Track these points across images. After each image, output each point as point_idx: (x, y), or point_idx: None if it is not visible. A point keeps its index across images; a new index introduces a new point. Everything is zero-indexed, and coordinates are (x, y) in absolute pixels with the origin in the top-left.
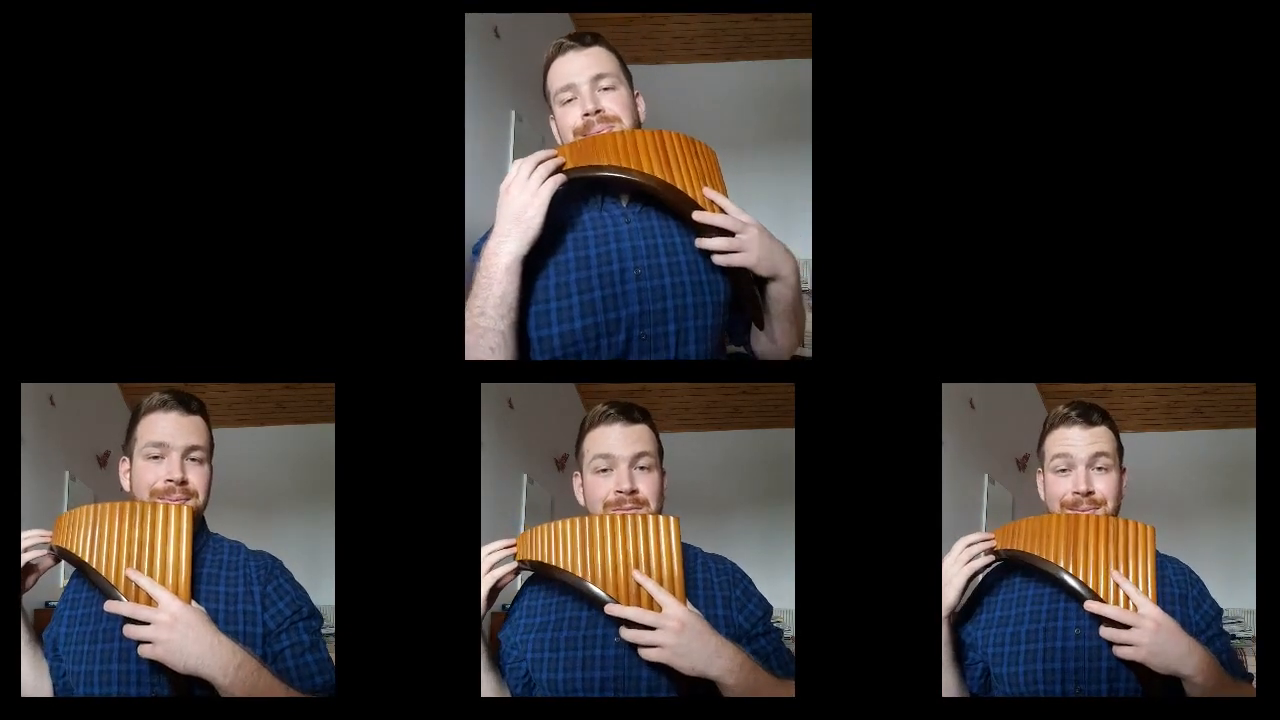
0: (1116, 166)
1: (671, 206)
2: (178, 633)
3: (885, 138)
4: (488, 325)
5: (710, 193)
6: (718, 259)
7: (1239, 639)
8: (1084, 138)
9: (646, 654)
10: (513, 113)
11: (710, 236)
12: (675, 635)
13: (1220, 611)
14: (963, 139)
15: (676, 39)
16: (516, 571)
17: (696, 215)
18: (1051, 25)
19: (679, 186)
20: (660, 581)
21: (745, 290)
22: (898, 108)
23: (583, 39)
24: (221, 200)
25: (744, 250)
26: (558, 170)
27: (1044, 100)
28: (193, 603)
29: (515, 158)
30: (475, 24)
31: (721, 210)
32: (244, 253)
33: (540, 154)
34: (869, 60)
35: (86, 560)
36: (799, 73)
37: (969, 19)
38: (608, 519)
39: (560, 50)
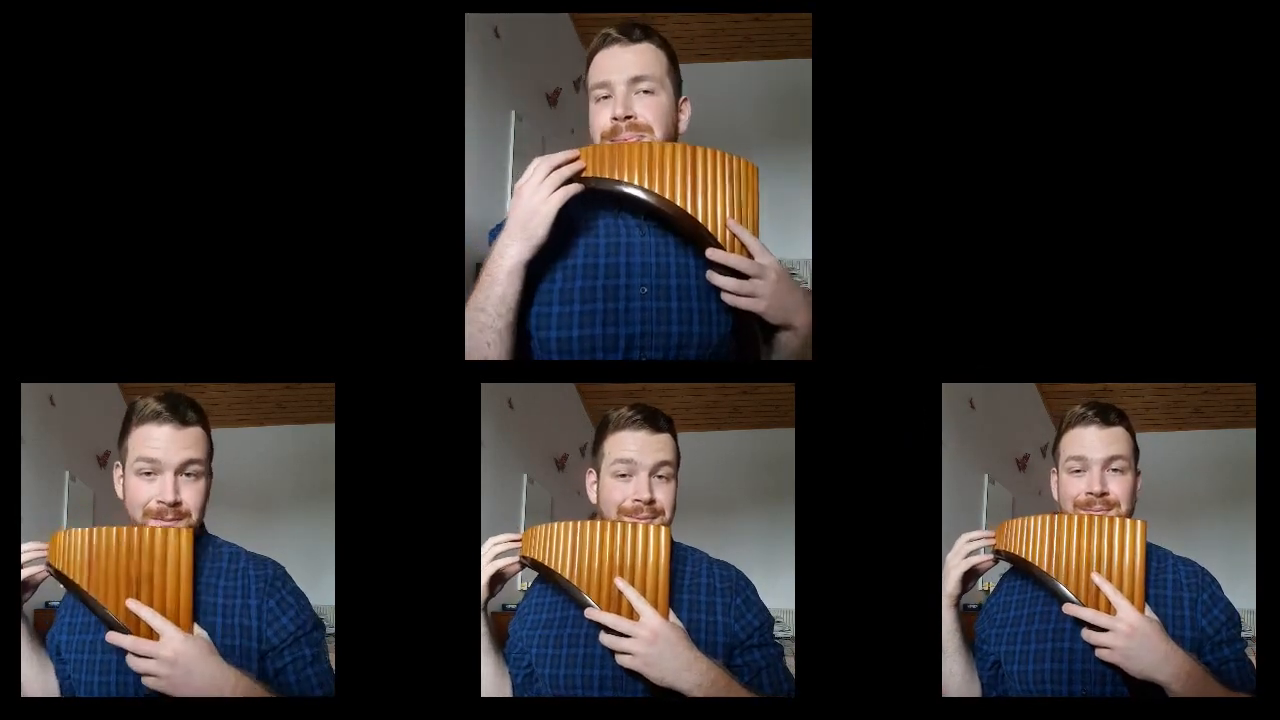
0: (1116, 166)
1: (686, 236)
2: (179, 669)
3: (885, 138)
4: (486, 322)
5: (734, 226)
6: (726, 298)
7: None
8: (1084, 137)
9: (620, 659)
10: (513, 113)
11: (723, 274)
12: (647, 645)
13: (1235, 619)
14: (963, 139)
15: (676, 39)
16: (522, 566)
17: (710, 253)
18: (1052, 25)
19: (702, 213)
20: (643, 591)
21: (747, 331)
22: (898, 108)
23: (630, 32)
24: (221, 200)
25: (756, 296)
26: (575, 176)
27: (1044, 100)
28: (195, 629)
29: (515, 158)
30: (475, 24)
31: (743, 246)
32: (244, 253)
33: (560, 156)
34: (869, 60)
35: (84, 588)
36: (799, 73)
37: (969, 19)
38: (600, 525)
39: (604, 42)
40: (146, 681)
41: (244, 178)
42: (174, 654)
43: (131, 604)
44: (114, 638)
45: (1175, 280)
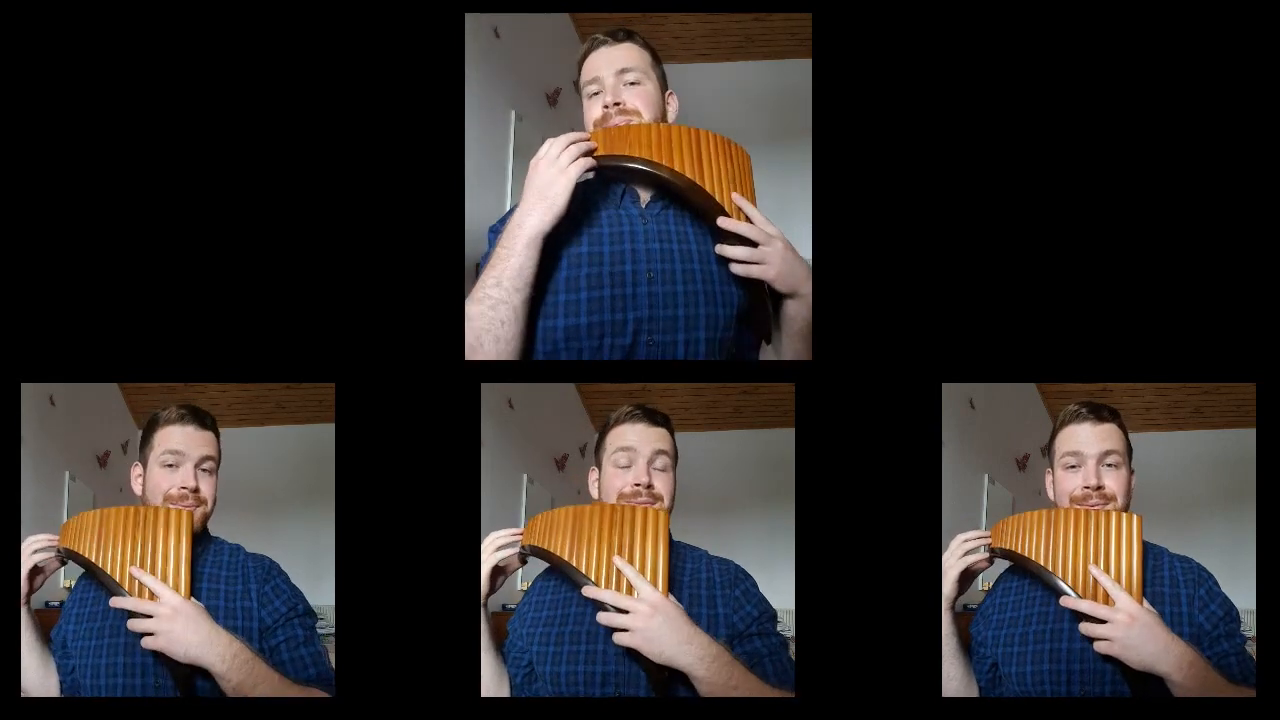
0: (1116, 166)
1: (697, 209)
2: (178, 624)
3: (885, 138)
4: (501, 297)
5: (739, 199)
6: (736, 268)
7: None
8: (1084, 138)
9: (618, 638)
10: (513, 113)
11: (733, 244)
12: (646, 619)
13: (1232, 613)
14: (963, 139)
15: (676, 39)
16: (523, 559)
17: (721, 221)
18: (1051, 25)
19: (709, 188)
20: (642, 571)
21: (758, 303)
22: (897, 108)
23: (615, 35)
24: (222, 200)
25: (765, 263)
26: (588, 154)
27: (1044, 100)
28: (191, 599)
29: (515, 157)
30: (475, 24)
31: (748, 219)
32: (244, 253)
33: (573, 135)
34: (869, 60)
35: (93, 561)
36: (799, 73)
37: (969, 19)
38: (599, 507)
39: (593, 46)
40: (145, 642)
41: (244, 178)
42: (171, 612)
43: (134, 569)
44: (117, 601)
45: (1175, 280)
